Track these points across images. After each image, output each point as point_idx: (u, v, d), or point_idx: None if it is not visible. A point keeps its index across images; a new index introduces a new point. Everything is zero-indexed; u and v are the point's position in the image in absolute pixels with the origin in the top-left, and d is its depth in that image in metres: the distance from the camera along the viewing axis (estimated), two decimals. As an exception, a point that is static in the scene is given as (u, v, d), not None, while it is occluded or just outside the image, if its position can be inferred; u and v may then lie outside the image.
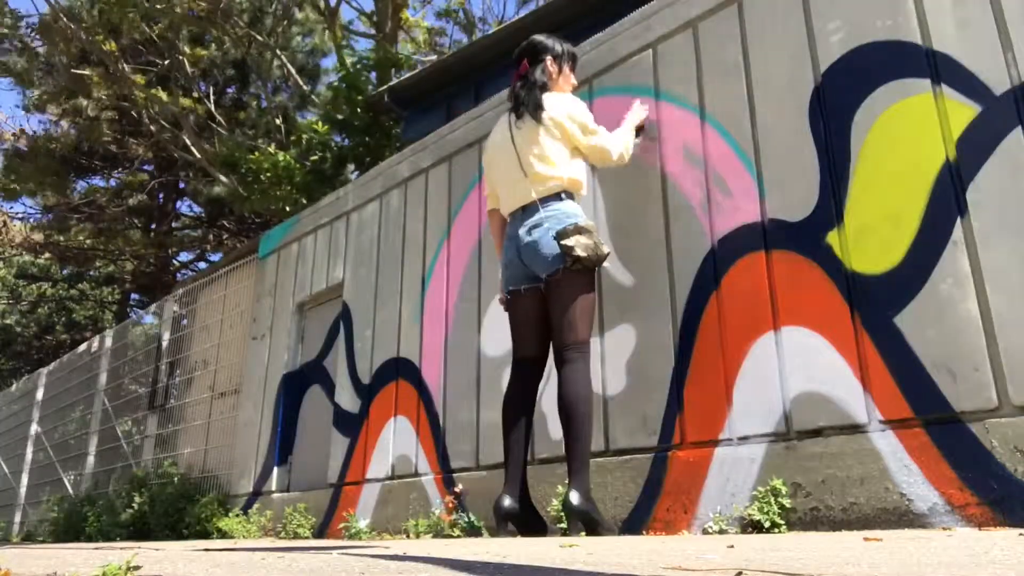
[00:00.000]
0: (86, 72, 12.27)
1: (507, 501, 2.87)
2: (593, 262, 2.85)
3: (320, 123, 9.75)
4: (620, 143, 3.17)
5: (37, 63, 12.81)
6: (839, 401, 2.60)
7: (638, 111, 3.41)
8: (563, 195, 2.97)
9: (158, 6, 10.11)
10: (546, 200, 2.95)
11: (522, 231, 2.97)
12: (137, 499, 6.13)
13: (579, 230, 2.83)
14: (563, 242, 2.80)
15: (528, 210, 2.98)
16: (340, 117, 9.60)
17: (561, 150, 3.01)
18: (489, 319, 4.06)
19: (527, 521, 2.94)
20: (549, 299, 2.92)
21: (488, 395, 3.91)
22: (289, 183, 9.55)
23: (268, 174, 9.53)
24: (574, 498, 2.71)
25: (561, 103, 3.05)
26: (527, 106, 3.04)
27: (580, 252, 2.79)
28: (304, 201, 9.23)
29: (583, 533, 2.74)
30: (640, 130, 3.43)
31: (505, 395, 3.03)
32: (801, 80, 2.98)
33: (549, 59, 3.17)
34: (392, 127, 9.46)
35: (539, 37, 3.25)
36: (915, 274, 2.51)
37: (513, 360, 3.09)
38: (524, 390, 3.01)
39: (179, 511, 5.72)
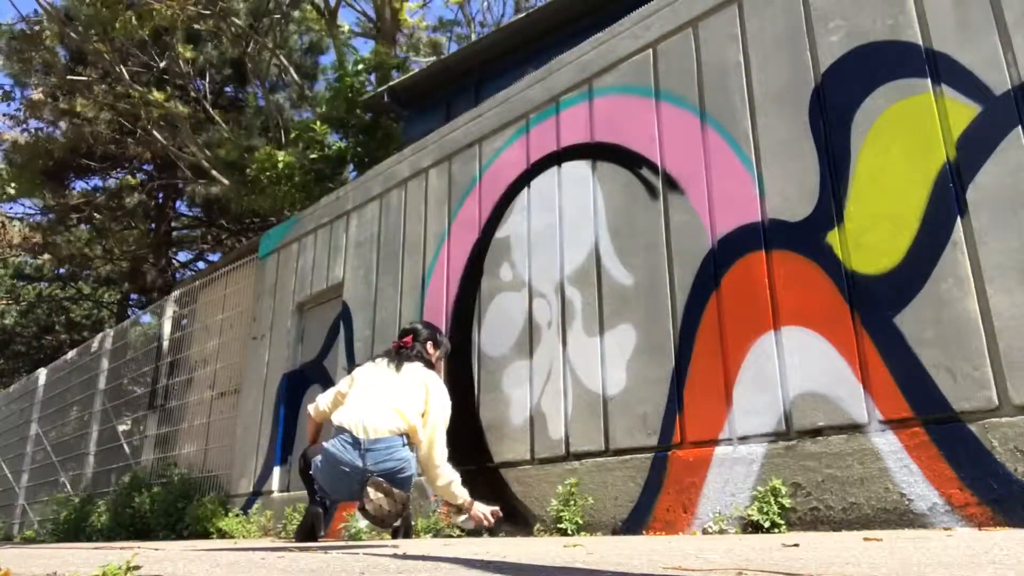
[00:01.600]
0: (82, 77, 12.25)
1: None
2: (375, 522, 3.07)
3: (318, 123, 9.75)
4: (444, 460, 3.27)
5: (33, 64, 12.77)
6: (839, 401, 2.60)
7: (476, 513, 3.32)
8: (407, 443, 3.22)
9: (149, 11, 10.04)
10: (399, 436, 3.20)
11: (374, 453, 3.13)
12: (137, 499, 6.12)
13: (390, 492, 3.01)
14: (369, 488, 2.99)
15: (382, 439, 3.16)
16: (337, 115, 9.59)
17: (420, 407, 3.29)
18: (488, 318, 4.06)
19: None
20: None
21: (487, 395, 3.91)
22: (289, 183, 9.52)
23: (268, 174, 9.51)
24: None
25: (441, 385, 3.44)
26: (411, 361, 3.42)
27: (368, 507, 2.99)
28: (300, 205, 9.22)
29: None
30: (463, 508, 3.31)
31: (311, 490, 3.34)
32: (801, 80, 2.98)
33: (431, 343, 3.62)
34: (393, 126, 9.45)
35: (419, 326, 3.69)
36: (915, 274, 2.51)
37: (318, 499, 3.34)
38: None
39: (179, 511, 5.72)
